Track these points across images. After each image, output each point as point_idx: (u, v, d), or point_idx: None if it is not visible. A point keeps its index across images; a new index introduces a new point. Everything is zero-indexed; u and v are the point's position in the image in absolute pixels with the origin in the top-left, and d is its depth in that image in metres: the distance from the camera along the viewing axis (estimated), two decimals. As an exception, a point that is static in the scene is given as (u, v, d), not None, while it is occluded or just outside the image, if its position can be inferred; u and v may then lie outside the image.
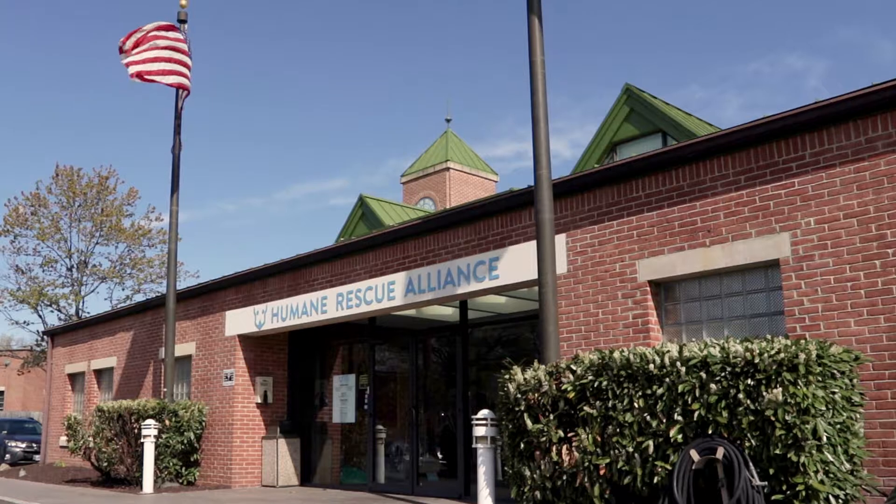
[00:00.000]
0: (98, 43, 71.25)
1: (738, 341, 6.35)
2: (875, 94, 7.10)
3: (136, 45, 14.82)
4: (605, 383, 6.98)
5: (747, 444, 6.03)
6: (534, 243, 8.74)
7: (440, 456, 12.85)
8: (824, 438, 5.77)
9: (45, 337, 27.97)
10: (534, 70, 8.51)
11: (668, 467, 6.43)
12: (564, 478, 7.17)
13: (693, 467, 6.20)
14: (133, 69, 14.76)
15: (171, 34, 15.36)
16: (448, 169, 31.92)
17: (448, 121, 34.59)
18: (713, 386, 6.23)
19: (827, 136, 7.50)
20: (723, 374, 6.23)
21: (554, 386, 7.41)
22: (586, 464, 6.98)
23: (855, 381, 6.25)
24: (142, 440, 13.89)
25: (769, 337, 6.33)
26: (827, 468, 5.80)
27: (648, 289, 8.68)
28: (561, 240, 9.41)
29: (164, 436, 14.19)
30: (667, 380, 6.54)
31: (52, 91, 74.09)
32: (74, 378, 21.80)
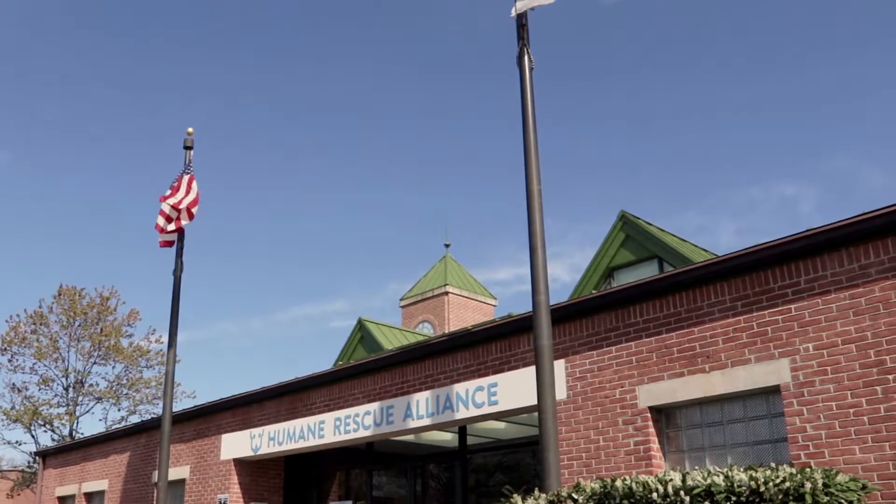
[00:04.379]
0: (107, 162, 72.95)
1: (742, 469, 6.24)
2: (866, 222, 7.27)
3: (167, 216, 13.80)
4: (607, 513, 6.81)
5: (755, 578, 5.84)
6: (533, 368, 8.71)
7: (438, 589, 12.38)
8: (835, 572, 5.60)
9: (36, 458, 27.41)
10: (531, 199, 8.66)
11: None
12: None
13: None
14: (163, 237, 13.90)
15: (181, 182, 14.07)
16: (447, 293, 32.07)
17: (447, 245, 35.01)
18: (718, 516, 6.08)
19: (821, 263, 7.61)
20: (728, 503, 6.10)
21: (555, 515, 7.23)
22: None
23: (863, 511, 6.11)
24: (129, 570, 13.43)
25: (773, 465, 6.23)
26: None
27: (649, 415, 8.60)
28: (560, 365, 9.38)
29: (152, 566, 13.73)
30: (670, 509, 6.39)
31: (59, 208, 75.31)
32: (64, 501, 21.18)
